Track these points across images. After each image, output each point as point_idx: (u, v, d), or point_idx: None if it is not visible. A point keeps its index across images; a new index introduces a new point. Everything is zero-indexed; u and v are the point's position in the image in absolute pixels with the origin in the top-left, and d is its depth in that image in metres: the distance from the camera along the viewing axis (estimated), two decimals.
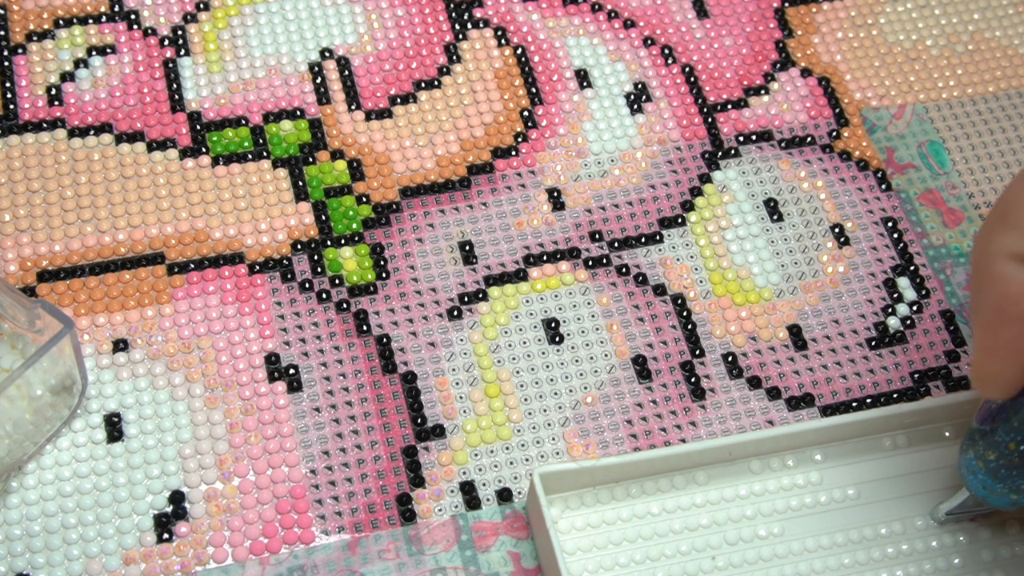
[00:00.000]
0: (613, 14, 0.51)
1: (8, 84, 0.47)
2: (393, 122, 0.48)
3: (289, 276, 0.44)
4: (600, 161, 0.48)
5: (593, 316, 0.44)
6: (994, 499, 0.36)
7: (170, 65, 0.48)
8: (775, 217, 0.47)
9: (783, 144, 0.49)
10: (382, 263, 0.45)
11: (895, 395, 0.44)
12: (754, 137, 0.49)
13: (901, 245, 0.47)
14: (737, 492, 0.40)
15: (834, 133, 0.49)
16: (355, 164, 0.47)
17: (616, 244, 0.46)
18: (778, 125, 0.49)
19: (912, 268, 0.46)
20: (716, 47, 0.51)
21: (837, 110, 0.50)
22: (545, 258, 0.45)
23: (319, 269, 0.44)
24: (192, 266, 0.44)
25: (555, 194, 0.47)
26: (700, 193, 0.47)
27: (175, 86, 0.48)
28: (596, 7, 0.51)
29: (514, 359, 0.43)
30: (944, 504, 0.40)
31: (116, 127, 0.47)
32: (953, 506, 0.40)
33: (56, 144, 0.46)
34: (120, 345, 0.42)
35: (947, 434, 0.42)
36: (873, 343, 0.45)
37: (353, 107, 0.48)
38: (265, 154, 0.47)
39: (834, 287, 0.46)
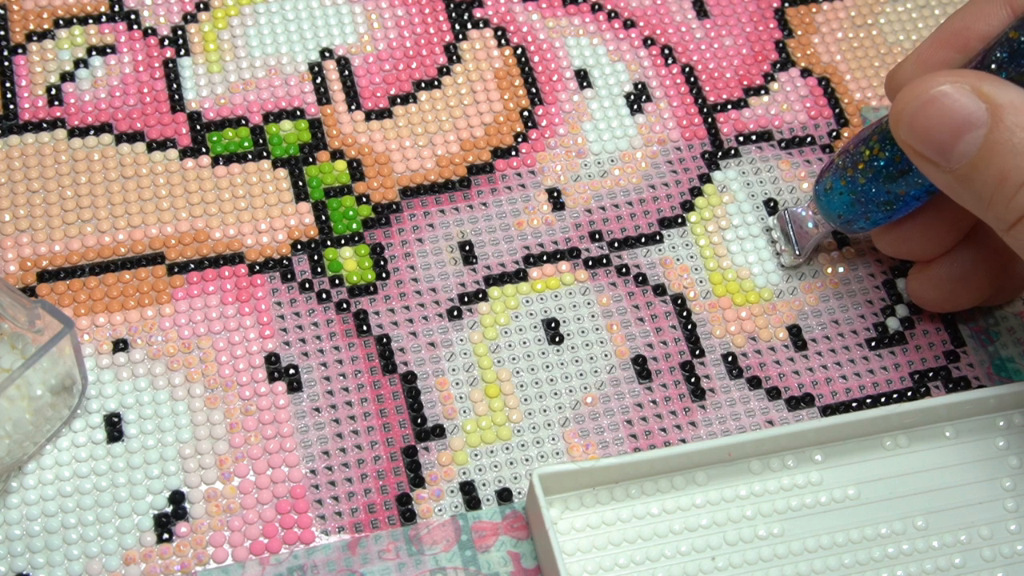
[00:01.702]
0: (613, 14, 0.51)
1: (8, 84, 0.47)
2: (393, 122, 0.48)
3: (289, 276, 0.44)
4: (600, 161, 0.48)
5: (593, 316, 0.44)
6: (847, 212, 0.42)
7: (170, 65, 0.48)
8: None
9: (783, 144, 0.49)
10: (382, 263, 0.45)
11: (895, 395, 0.44)
12: (754, 137, 0.49)
13: None
14: (737, 492, 0.40)
15: (834, 133, 0.49)
16: (355, 164, 0.47)
17: (616, 244, 0.46)
18: (778, 125, 0.49)
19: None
20: (716, 47, 0.51)
21: (837, 110, 0.50)
22: (545, 258, 0.45)
23: (319, 269, 0.44)
24: (192, 266, 0.44)
25: (555, 194, 0.47)
26: (700, 193, 0.47)
27: (175, 86, 0.48)
28: (596, 7, 0.51)
29: (514, 359, 0.43)
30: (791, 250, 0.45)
31: (116, 127, 0.47)
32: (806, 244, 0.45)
33: (56, 144, 0.46)
34: (120, 345, 0.42)
35: (947, 434, 0.42)
36: (873, 343, 0.45)
37: (353, 107, 0.48)
38: (265, 154, 0.47)
39: (834, 287, 0.46)
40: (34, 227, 0.44)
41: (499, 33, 0.50)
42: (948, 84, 0.35)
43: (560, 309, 0.44)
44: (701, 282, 0.45)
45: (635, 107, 0.49)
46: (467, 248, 0.45)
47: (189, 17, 0.49)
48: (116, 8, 0.49)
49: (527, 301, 0.44)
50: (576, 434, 0.42)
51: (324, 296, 0.44)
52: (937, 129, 0.35)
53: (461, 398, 0.42)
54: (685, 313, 0.45)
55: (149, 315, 0.43)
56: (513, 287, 0.45)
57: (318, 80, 0.48)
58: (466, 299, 0.44)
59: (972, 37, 0.38)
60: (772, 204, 0.47)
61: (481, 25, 0.50)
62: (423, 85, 0.49)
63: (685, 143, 0.48)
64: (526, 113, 0.48)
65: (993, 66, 0.36)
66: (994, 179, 0.34)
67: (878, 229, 0.43)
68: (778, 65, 0.51)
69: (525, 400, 0.42)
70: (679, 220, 0.47)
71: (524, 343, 0.44)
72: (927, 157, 0.36)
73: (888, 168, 0.40)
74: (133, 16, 0.49)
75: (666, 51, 0.50)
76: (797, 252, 0.45)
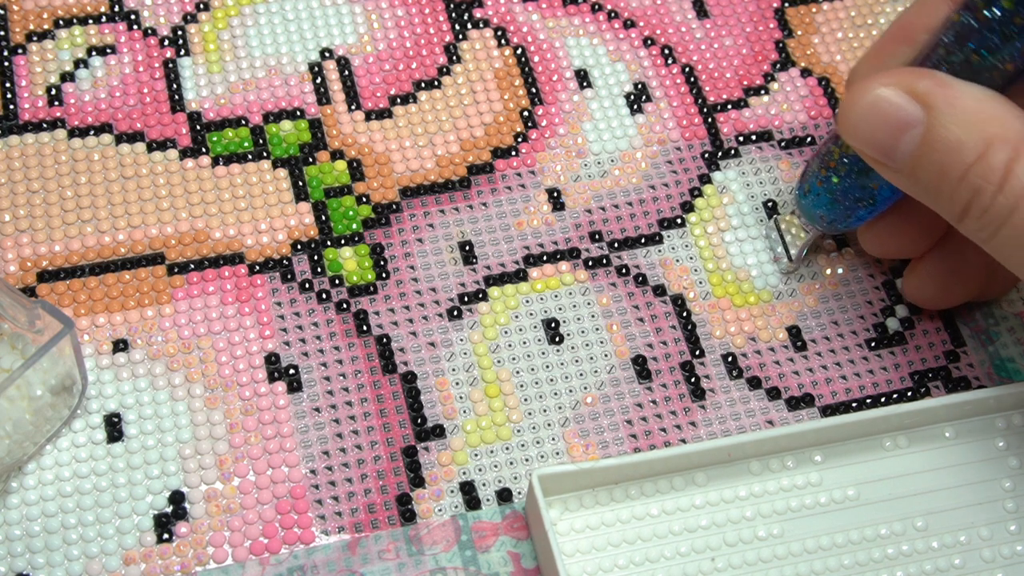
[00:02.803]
0: (613, 14, 0.51)
1: (8, 84, 0.47)
2: (393, 122, 0.48)
3: (289, 276, 0.44)
4: (600, 161, 0.48)
5: (593, 316, 0.44)
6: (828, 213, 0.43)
7: (170, 65, 0.48)
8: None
9: (783, 144, 0.49)
10: (382, 263, 0.45)
11: (895, 395, 0.44)
12: (754, 137, 0.49)
13: None
14: (737, 493, 0.40)
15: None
16: (355, 164, 0.47)
17: (616, 244, 0.46)
18: (778, 125, 0.49)
19: None
20: (716, 47, 0.51)
21: (837, 110, 0.50)
22: (545, 258, 0.45)
23: (319, 269, 0.44)
24: (192, 266, 0.44)
25: (555, 194, 0.47)
26: (700, 194, 0.47)
27: (175, 86, 0.48)
28: (596, 7, 0.51)
29: (514, 359, 0.43)
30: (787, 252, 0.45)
31: (116, 127, 0.47)
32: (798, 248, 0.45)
33: (56, 144, 0.46)
34: (120, 345, 0.42)
35: (947, 434, 0.42)
36: (872, 344, 0.45)
37: (353, 107, 0.48)
38: (265, 154, 0.47)
39: (833, 288, 0.46)
40: (34, 227, 0.44)
41: (499, 33, 0.50)
42: (883, 87, 0.36)
43: (560, 309, 0.44)
44: (701, 283, 0.45)
45: (635, 107, 0.49)
46: (467, 248, 0.45)
47: (189, 17, 0.49)
48: (116, 8, 0.49)
49: (527, 301, 0.44)
50: (576, 434, 0.42)
51: (324, 296, 0.44)
52: (878, 132, 0.36)
53: (461, 398, 0.42)
54: (685, 314, 0.45)
55: (149, 315, 0.43)
56: (513, 287, 0.45)
57: (318, 80, 0.48)
58: (466, 299, 0.44)
59: (918, 30, 0.40)
60: (771, 205, 0.47)
61: (481, 25, 0.50)
62: (423, 85, 0.49)
63: (685, 143, 0.48)
64: (526, 113, 0.48)
65: (942, 50, 0.37)
66: (936, 175, 0.35)
67: (862, 230, 0.43)
68: (778, 65, 0.51)
69: (525, 400, 0.42)
70: (679, 221, 0.47)
71: (524, 343, 0.44)
72: (876, 159, 0.37)
73: (858, 163, 0.40)
74: (133, 16, 0.49)
75: (666, 51, 0.50)
76: (789, 258, 0.45)
